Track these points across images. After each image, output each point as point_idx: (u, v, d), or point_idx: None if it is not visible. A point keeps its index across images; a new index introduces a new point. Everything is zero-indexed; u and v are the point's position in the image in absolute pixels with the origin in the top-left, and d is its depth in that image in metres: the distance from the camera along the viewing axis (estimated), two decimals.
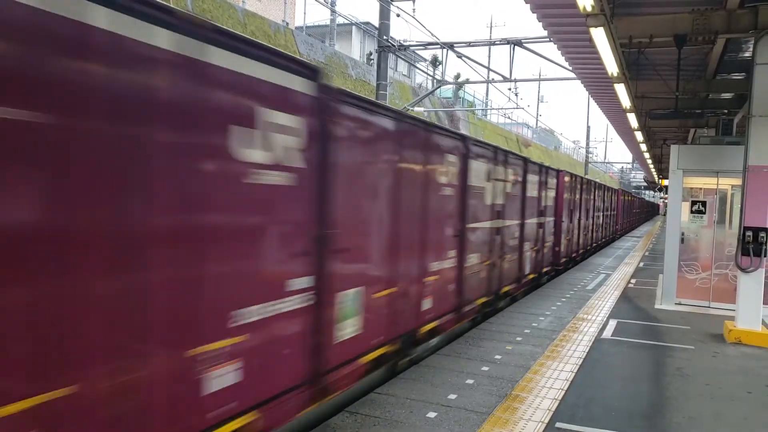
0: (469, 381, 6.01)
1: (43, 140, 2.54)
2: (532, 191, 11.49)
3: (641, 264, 18.08)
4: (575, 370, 6.53)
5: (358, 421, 4.90)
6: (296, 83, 4.23)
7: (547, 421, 5.03)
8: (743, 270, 8.20)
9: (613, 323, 9.14)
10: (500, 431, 4.81)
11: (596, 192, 21.23)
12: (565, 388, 5.90)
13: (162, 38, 3.06)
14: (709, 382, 6.44)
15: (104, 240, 2.83)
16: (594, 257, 19.93)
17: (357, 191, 5.25)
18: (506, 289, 10.08)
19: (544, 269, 13.27)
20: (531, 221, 11.56)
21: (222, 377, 3.59)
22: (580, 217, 17.67)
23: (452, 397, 5.53)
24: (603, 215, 23.79)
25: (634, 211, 45.11)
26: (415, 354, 6.79)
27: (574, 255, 17.28)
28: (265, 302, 3.95)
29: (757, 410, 5.69)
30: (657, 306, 10.90)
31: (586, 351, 7.40)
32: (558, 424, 4.99)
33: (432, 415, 5.07)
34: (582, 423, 5.06)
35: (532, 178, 11.51)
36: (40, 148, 2.54)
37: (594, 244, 21.40)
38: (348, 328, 5.10)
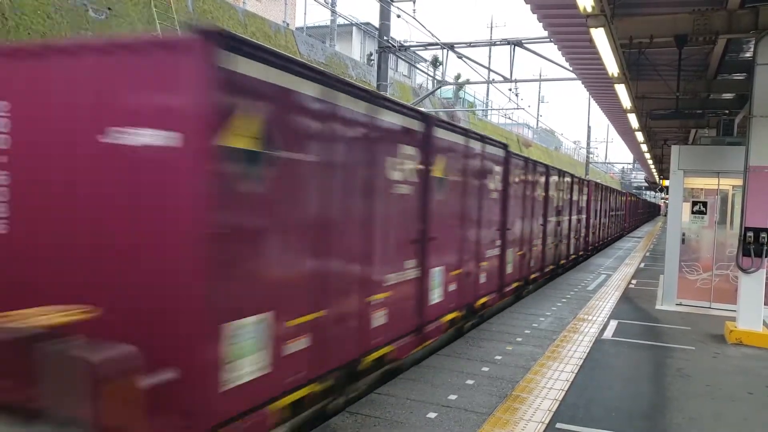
0: (470, 381, 6.01)
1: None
2: (575, 196, 16.32)
3: (642, 264, 18.07)
4: (576, 371, 6.53)
5: (358, 421, 4.89)
6: (415, 125, 6.46)
7: (547, 421, 5.03)
8: (744, 270, 8.19)
9: (613, 324, 9.13)
10: None
11: (612, 195, 26.83)
12: (566, 389, 5.89)
13: (361, 107, 5.28)
14: (710, 383, 6.43)
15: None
16: (595, 257, 19.95)
17: (442, 197, 7.21)
18: (562, 262, 15.28)
19: (580, 253, 18.22)
20: (575, 217, 16.61)
21: (379, 318, 5.71)
22: (601, 215, 22.73)
23: (452, 397, 5.52)
24: (617, 214, 29.89)
25: (638, 211, 49.29)
26: (473, 321, 8.79)
27: (597, 244, 22.16)
28: (397, 272, 6.08)
29: (757, 411, 5.68)
30: (658, 307, 10.89)
31: (587, 352, 7.40)
32: (558, 425, 4.98)
33: (432, 415, 5.07)
34: (582, 423, 5.06)
35: (576, 188, 16.45)
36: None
37: (610, 237, 27.03)
38: (436, 295, 7.08)
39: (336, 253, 4.97)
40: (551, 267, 13.78)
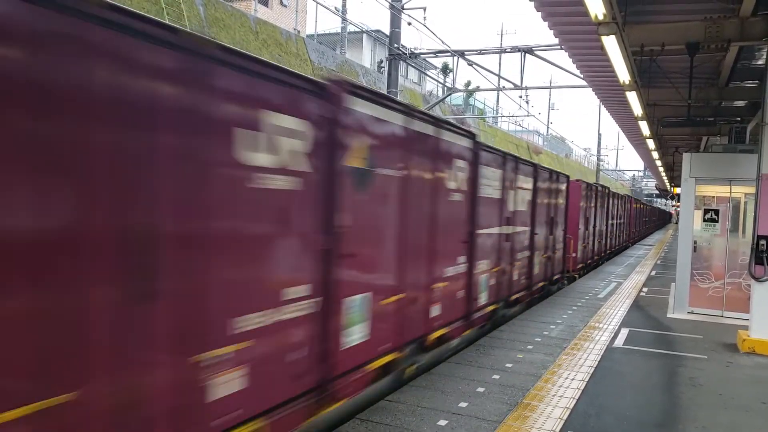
0: (480, 389, 5.99)
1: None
2: (621, 208, 23.12)
3: (653, 272, 17.96)
4: (587, 379, 6.49)
5: (369, 428, 4.89)
6: (466, 142, 7.57)
7: (558, 429, 5.01)
8: (757, 279, 8.13)
9: (624, 332, 9.08)
10: None
11: (639, 206, 37.68)
12: (577, 397, 5.87)
13: (430, 129, 6.49)
14: (723, 392, 6.38)
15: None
16: (605, 265, 19.86)
17: (484, 204, 8.26)
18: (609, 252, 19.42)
19: (620, 247, 25.12)
20: (616, 221, 22.72)
21: (437, 307, 6.78)
22: (632, 221, 31.77)
23: (463, 405, 5.52)
24: (641, 220, 39.59)
25: (653, 218, 52.70)
26: (507, 312, 9.81)
27: (630, 243, 30.65)
28: (453, 266, 7.23)
29: None
30: (669, 315, 10.82)
31: (598, 360, 7.36)
32: None
33: (443, 422, 5.06)
34: None
35: (623, 202, 24.16)
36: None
37: (638, 237, 36.38)
38: (482, 295, 8.36)
39: (412, 248, 6.06)
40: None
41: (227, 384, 3.59)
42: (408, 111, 5.89)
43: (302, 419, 4.40)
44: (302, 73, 4.35)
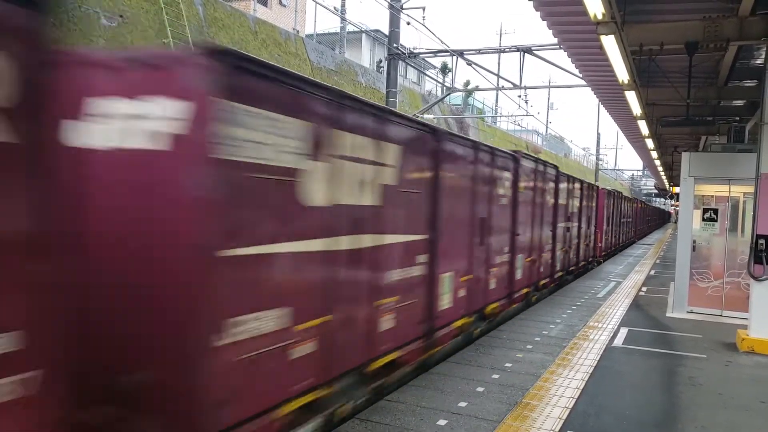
0: (480, 389, 5.99)
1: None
2: (630, 209, 28.67)
3: (652, 272, 17.97)
4: (586, 379, 6.50)
5: (368, 428, 4.89)
6: (509, 157, 9.77)
7: (557, 429, 5.01)
8: (756, 278, 8.13)
9: (624, 331, 9.08)
10: None
11: (643, 206, 43.75)
12: (576, 397, 5.87)
13: (487, 154, 8.69)
14: (722, 392, 6.38)
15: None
16: (604, 265, 19.89)
17: (524, 207, 10.40)
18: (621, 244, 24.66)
19: (629, 241, 30.16)
20: (626, 220, 27.06)
21: (493, 284, 9.07)
22: (638, 219, 36.57)
23: (462, 404, 5.52)
24: (645, 219, 45.47)
25: (654, 218, 57.49)
26: (537, 295, 11.79)
27: (636, 238, 34.93)
28: (500, 256, 9.36)
29: None
30: (668, 314, 10.82)
31: (597, 359, 7.36)
32: None
33: (442, 422, 5.06)
34: (593, 431, 5.04)
35: (632, 204, 30.49)
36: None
37: (642, 234, 41.84)
38: (519, 274, 10.26)
39: (476, 240, 8.13)
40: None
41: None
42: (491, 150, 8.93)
43: (418, 356, 6.53)
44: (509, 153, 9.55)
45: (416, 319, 6.45)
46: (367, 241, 5.31)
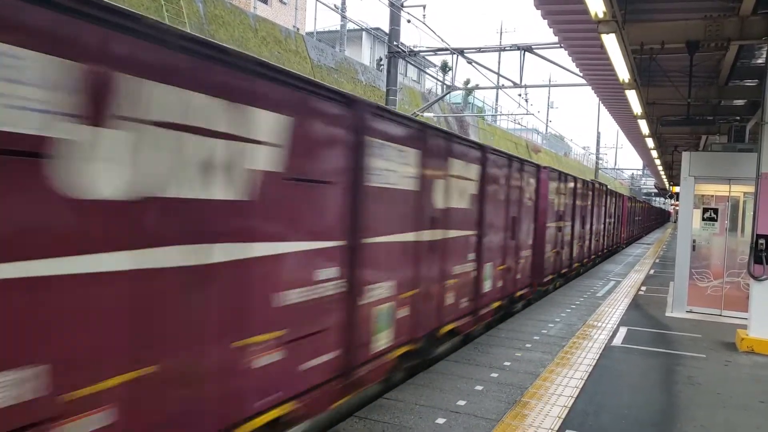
0: (479, 387, 5.99)
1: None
2: (640, 210, 37.65)
3: (652, 271, 17.96)
4: (585, 378, 6.49)
5: (367, 426, 4.89)
6: (533, 167, 11.25)
7: (556, 428, 5.00)
8: (756, 278, 8.13)
9: (623, 331, 9.08)
10: None
11: (650, 208, 54.19)
12: (575, 396, 5.86)
13: (517, 164, 10.14)
14: (721, 391, 6.38)
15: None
16: (604, 264, 19.90)
17: (550, 210, 12.55)
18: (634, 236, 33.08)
19: (641, 234, 39.44)
20: (637, 219, 35.91)
21: (520, 273, 10.73)
22: (646, 218, 45.03)
23: (461, 403, 5.51)
24: (651, 217, 55.19)
25: (652, 217, 62.03)
26: (560, 282, 14.08)
27: (642, 234, 41.80)
28: (526, 250, 11.02)
29: None
30: (668, 314, 10.82)
31: (596, 358, 7.36)
32: None
33: (441, 421, 5.06)
34: (592, 431, 5.03)
35: (642, 206, 40.47)
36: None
37: (651, 229, 52.40)
38: (547, 265, 12.32)
39: (508, 236, 9.52)
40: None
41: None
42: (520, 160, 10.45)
43: (468, 328, 7.91)
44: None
45: (468, 296, 7.88)
46: (439, 234, 6.72)
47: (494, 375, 6.43)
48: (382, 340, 5.61)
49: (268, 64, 3.94)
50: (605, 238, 21.18)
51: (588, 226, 16.89)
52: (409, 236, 6.07)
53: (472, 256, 7.90)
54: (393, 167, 5.64)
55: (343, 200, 4.84)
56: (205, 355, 3.51)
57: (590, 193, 17.04)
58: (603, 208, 19.76)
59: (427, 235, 6.43)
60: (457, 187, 7.29)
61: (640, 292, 13.34)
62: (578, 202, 15.01)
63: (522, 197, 10.28)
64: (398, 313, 5.88)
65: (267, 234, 3.96)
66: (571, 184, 14.19)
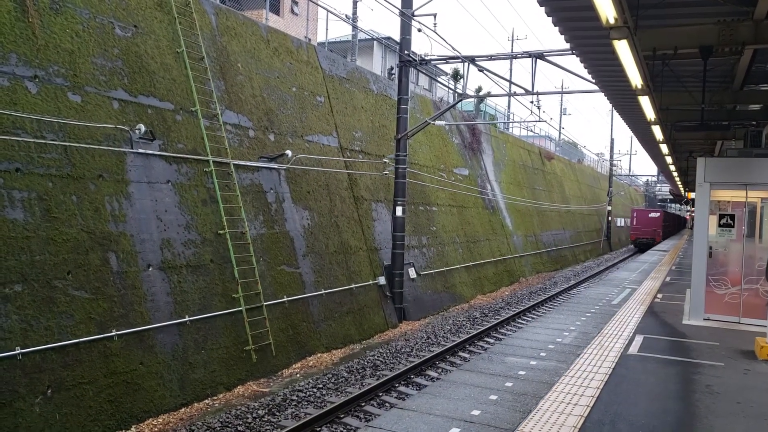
0: (493, 397, 5.93)
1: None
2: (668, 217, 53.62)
3: (668, 278, 17.76)
4: (601, 387, 6.41)
5: None
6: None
7: None
8: None
9: (639, 339, 8.97)
10: None
11: (670, 215, 57.23)
12: (591, 405, 5.79)
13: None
14: (740, 401, 6.27)
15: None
16: (618, 272, 19.70)
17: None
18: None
19: (666, 236, 50.19)
20: (666, 223, 50.25)
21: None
22: (670, 223, 56.08)
23: (476, 413, 5.46)
24: (672, 223, 59.08)
25: (674, 223, 67.12)
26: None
27: (666, 236, 48.20)
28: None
29: None
30: (684, 321, 10.68)
31: (612, 367, 7.27)
32: None
33: (456, 431, 5.01)
34: None
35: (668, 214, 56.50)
36: None
37: (670, 234, 56.20)
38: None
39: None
40: None
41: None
42: None
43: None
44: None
45: None
46: None
47: (509, 384, 6.38)
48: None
49: None
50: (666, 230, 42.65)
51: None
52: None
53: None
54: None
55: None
56: None
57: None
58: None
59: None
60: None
61: (656, 300, 13.18)
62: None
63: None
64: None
65: None
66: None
